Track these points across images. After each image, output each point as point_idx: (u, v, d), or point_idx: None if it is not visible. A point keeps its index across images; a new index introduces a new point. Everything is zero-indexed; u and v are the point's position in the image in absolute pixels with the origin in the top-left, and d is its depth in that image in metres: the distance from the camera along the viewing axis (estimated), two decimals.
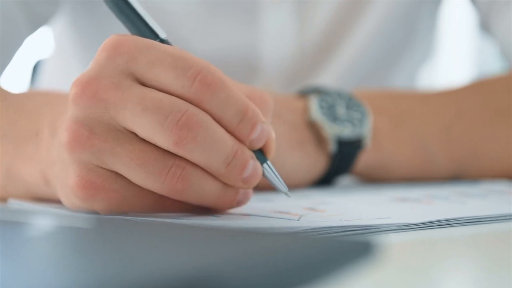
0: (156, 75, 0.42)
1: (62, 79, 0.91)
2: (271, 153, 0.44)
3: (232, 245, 0.30)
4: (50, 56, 0.96)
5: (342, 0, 0.82)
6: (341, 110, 0.62)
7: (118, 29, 0.45)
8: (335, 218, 0.43)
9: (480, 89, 0.70)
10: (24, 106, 0.52)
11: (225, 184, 0.43)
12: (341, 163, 0.62)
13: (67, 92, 0.44)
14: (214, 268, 0.24)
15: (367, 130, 0.62)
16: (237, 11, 0.81)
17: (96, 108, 0.42)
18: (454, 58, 2.60)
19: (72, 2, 0.82)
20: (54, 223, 0.35)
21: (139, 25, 0.44)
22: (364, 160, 0.64)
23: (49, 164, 0.46)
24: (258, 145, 0.43)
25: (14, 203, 0.51)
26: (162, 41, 0.44)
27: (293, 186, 0.58)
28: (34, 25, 0.73)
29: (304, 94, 0.64)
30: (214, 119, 0.42)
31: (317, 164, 0.62)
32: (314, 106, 0.62)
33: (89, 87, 0.42)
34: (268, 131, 0.43)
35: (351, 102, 0.63)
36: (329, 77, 0.84)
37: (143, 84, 0.42)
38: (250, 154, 0.43)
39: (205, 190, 0.43)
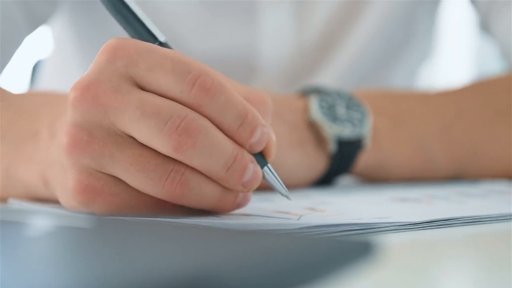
0: (155, 79, 0.41)
1: (61, 79, 0.91)
2: (272, 156, 0.44)
3: (232, 245, 0.30)
4: (49, 56, 0.96)
5: (341, 0, 0.82)
6: (341, 110, 0.62)
7: (117, 29, 0.45)
8: (335, 218, 0.43)
9: (480, 89, 0.70)
10: (23, 106, 0.52)
11: (225, 188, 0.43)
12: (341, 163, 0.62)
13: (66, 92, 0.44)
14: (214, 268, 0.24)
15: (367, 130, 0.62)
16: (236, 11, 0.81)
17: (96, 112, 0.41)
18: (454, 58, 2.60)
19: (71, 2, 0.82)
20: (54, 223, 0.35)
21: (138, 28, 0.44)
22: (364, 160, 0.64)
23: (48, 165, 0.46)
24: (258, 149, 0.43)
25: (14, 203, 0.51)
26: (162, 44, 0.44)
27: (293, 186, 0.58)
28: (33, 25, 0.73)
29: (304, 94, 0.64)
30: (214, 123, 0.42)
31: (317, 164, 0.62)
32: (314, 106, 0.62)
33: (88, 91, 0.41)
34: (268, 134, 0.43)
35: (351, 102, 0.63)
36: (328, 77, 0.84)
37: (143, 88, 0.42)
38: (250, 157, 0.43)
39: (204, 194, 0.43)
